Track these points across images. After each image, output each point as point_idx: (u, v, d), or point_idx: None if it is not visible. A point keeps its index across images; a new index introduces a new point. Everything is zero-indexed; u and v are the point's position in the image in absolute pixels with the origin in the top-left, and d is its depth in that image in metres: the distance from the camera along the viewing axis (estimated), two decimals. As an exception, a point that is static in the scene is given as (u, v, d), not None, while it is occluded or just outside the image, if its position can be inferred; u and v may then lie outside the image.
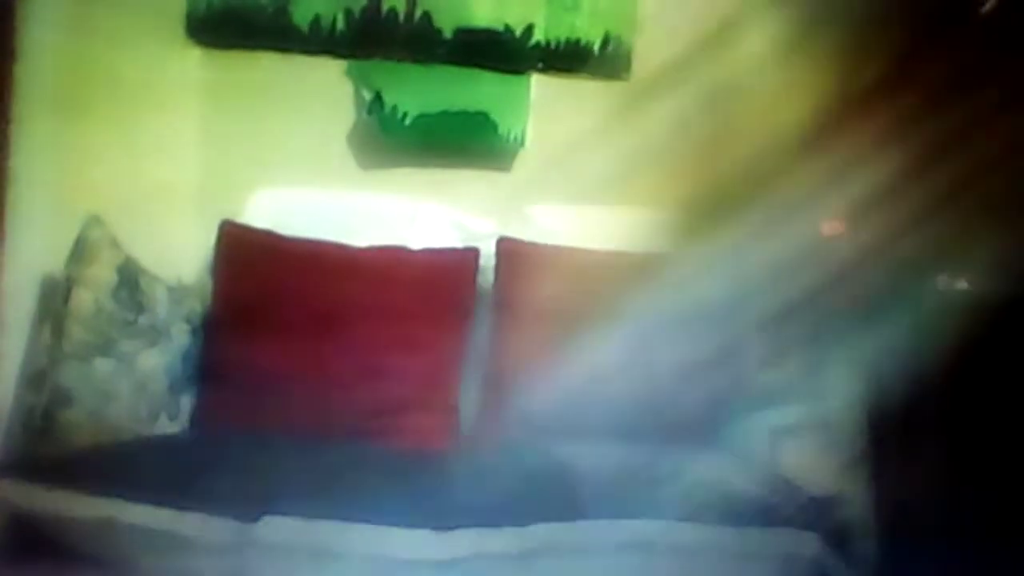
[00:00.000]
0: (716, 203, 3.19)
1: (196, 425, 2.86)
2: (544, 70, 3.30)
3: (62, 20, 3.13)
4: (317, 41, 3.27)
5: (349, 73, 3.29)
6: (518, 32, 3.26)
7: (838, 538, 2.26)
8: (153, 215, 3.12)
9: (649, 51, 3.29)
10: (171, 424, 2.82)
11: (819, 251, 3.12)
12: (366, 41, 3.27)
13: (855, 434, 2.50)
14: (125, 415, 2.69)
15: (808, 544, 2.20)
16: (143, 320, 2.81)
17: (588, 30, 3.29)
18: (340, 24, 3.27)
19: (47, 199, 3.05)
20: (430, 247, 3.06)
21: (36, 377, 2.72)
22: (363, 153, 3.30)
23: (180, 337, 2.90)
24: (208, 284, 3.00)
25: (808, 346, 2.56)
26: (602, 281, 2.94)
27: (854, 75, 3.11)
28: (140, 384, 2.74)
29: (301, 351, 2.83)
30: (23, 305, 2.96)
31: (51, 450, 2.55)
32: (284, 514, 2.14)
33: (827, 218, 3.11)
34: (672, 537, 2.17)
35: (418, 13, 3.26)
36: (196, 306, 2.98)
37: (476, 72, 3.27)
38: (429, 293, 2.95)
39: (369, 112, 3.26)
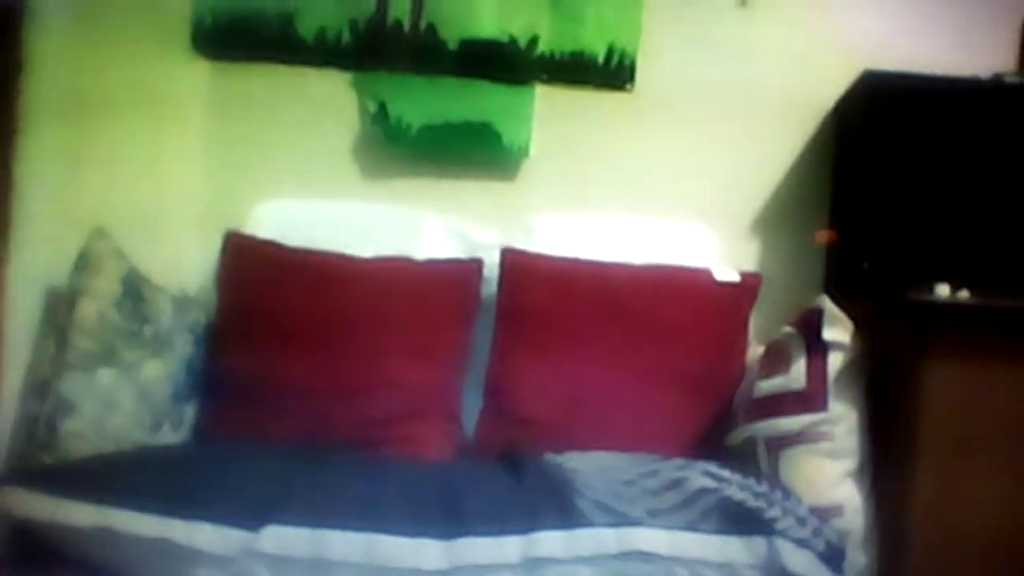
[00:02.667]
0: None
1: (199, 435, 2.87)
2: (548, 81, 3.30)
3: (68, 33, 3.15)
4: (322, 53, 3.29)
5: (354, 84, 3.30)
6: (522, 43, 3.27)
7: (835, 550, 2.26)
8: (158, 226, 3.14)
9: (653, 62, 3.29)
10: (174, 434, 2.82)
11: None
12: (371, 52, 3.29)
13: (856, 445, 2.50)
14: (128, 425, 2.69)
15: (805, 555, 2.19)
16: (147, 330, 2.81)
17: (592, 41, 3.30)
18: (345, 36, 3.28)
19: (52, 210, 3.06)
20: (434, 258, 3.06)
21: (40, 387, 2.73)
22: (368, 164, 3.31)
23: (184, 347, 2.90)
24: (212, 294, 3.00)
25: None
26: (605, 292, 2.94)
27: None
28: (143, 394, 2.75)
29: (305, 361, 2.83)
30: (27, 315, 2.97)
31: (54, 459, 2.56)
32: (287, 524, 2.14)
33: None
34: (672, 546, 2.17)
35: (423, 24, 3.27)
36: (200, 316, 2.98)
37: (480, 83, 3.28)
38: (433, 304, 2.95)
39: (374, 123, 3.27)
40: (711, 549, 2.19)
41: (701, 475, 2.30)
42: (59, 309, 2.82)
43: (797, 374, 2.54)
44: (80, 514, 2.17)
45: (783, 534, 2.20)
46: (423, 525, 2.17)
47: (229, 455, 2.50)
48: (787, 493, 2.33)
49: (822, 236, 3.10)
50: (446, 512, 2.22)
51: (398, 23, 3.28)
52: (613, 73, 3.30)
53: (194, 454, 2.66)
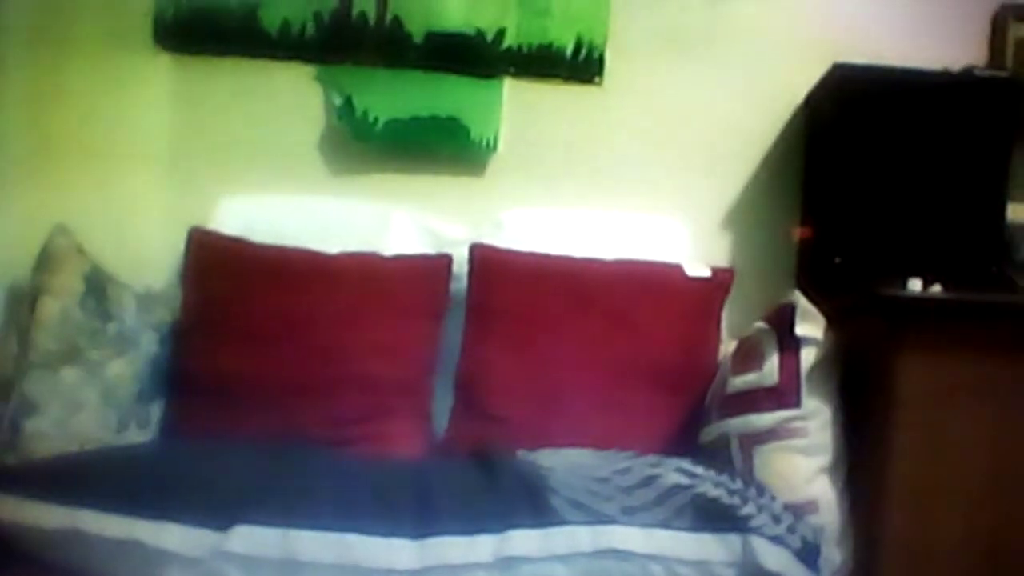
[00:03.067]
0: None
1: (165, 434, 2.83)
2: (516, 75, 3.29)
3: (28, 27, 3.12)
4: (286, 46, 3.26)
5: (319, 78, 3.28)
6: (489, 36, 3.25)
7: (810, 546, 2.25)
8: (121, 222, 3.12)
9: (622, 55, 3.28)
10: (140, 433, 2.79)
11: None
12: (336, 46, 3.26)
13: (830, 440, 2.50)
14: (93, 424, 2.66)
15: (781, 552, 2.18)
16: (111, 328, 2.78)
17: (560, 34, 3.28)
18: (309, 29, 3.25)
19: (13, 207, 3.02)
20: (402, 254, 3.03)
21: (2, 386, 2.68)
22: (334, 159, 3.28)
23: (149, 345, 2.86)
24: (177, 292, 2.97)
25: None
26: (576, 287, 2.92)
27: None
28: (108, 393, 2.71)
29: (272, 359, 2.80)
30: (-12, 313, 2.94)
31: (17, 460, 2.53)
32: (256, 524, 2.11)
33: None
34: (647, 544, 2.15)
35: (388, 17, 3.25)
36: (165, 314, 2.94)
37: (447, 77, 3.26)
38: (401, 300, 2.92)
39: (339, 117, 3.25)
40: (686, 547, 2.18)
41: (675, 472, 2.30)
42: (21, 307, 2.78)
43: (770, 370, 2.53)
44: (45, 515, 2.14)
45: (758, 531, 2.19)
46: (395, 524, 2.15)
47: (196, 454, 2.47)
48: (761, 490, 2.33)
49: (797, 232, 3.09)
50: (418, 511, 2.20)
51: (363, 15, 3.25)
52: (582, 66, 3.29)
53: (161, 454, 2.63)
